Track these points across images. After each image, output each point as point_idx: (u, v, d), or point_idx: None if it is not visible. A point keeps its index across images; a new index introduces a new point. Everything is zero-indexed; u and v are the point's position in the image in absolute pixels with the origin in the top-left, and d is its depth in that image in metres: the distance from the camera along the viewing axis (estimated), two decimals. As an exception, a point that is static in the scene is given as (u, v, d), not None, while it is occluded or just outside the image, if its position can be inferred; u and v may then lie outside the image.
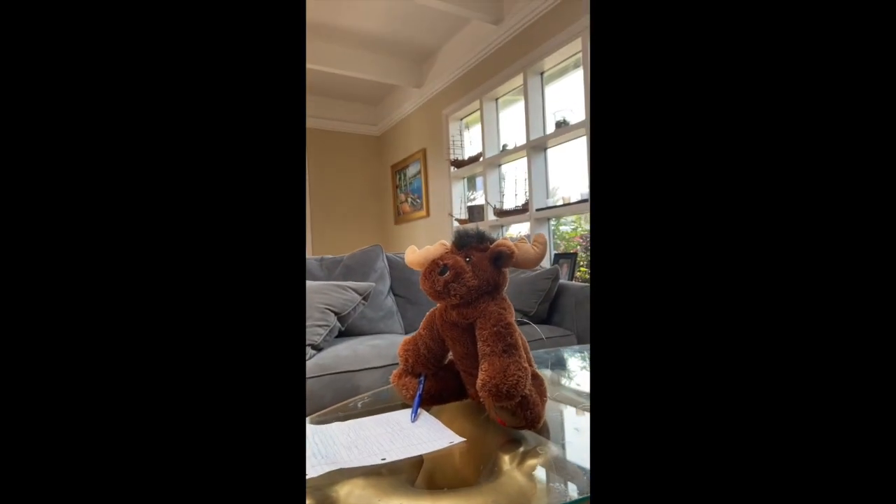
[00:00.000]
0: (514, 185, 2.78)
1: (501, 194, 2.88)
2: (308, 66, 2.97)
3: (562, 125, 2.32)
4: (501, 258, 0.61)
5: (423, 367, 0.68)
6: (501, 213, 2.75)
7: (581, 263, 2.40)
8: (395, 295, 1.79)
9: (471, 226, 0.67)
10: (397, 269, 1.83)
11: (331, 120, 4.10)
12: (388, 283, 1.77)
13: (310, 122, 4.02)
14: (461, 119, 3.27)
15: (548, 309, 1.67)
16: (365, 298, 1.46)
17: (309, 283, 1.44)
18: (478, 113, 3.00)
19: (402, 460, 0.50)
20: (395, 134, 4.06)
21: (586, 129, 2.14)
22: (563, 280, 1.83)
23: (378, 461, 0.49)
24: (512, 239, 0.65)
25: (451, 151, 3.20)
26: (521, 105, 2.65)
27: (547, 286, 1.62)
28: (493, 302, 0.61)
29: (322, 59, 3.05)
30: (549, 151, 2.56)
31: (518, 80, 2.64)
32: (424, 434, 0.56)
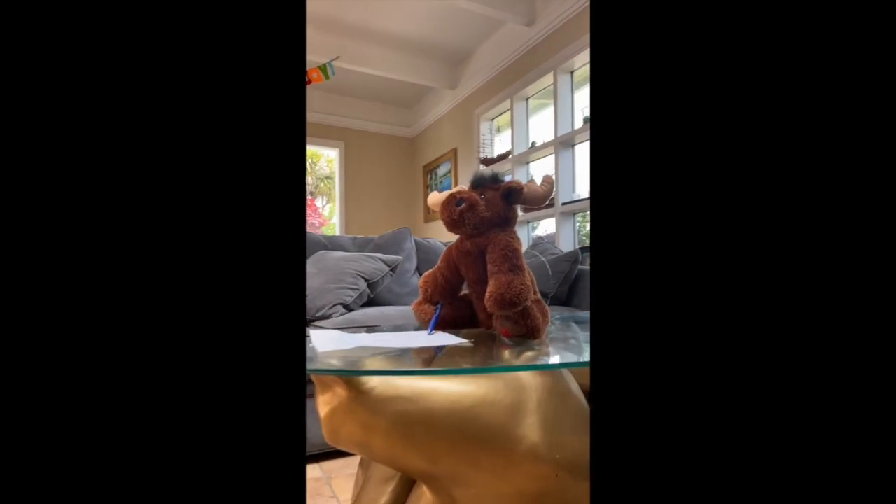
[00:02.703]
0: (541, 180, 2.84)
1: (529, 191, 2.95)
2: (346, 66, 3.15)
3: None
4: (512, 194, 0.69)
5: (440, 297, 0.76)
6: (528, 208, 2.81)
7: (605, 258, 2.42)
8: (420, 275, 1.89)
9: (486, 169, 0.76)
10: (424, 252, 1.93)
11: (367, 121, 4.29)
12: (414, 262, 1.87)
13: (346, 123, 4.22)
14: (492, 119, 3.37)
15: (567, 291, 1.71)
16: (393, 269, 1.56)
17: (342, 254, 1.56)
18: (508, 113, 3.09)
19: (420, 349, 0.58)
20: (427, 135, 4.20)
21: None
22: (584, 267, 1.88)
23: (399, 347, 0.58)
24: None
25: (482, 150, 3.29)
26: (549, 109, 2.73)
27: (567, 268, 1.68)
28: (503, 233, 0.69)
29: (360, 61, 3.23)
30: (577, 148, 2.61)
31: (548, 80, 2.71)
32: (439, 339, 0.64)
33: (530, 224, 2.98)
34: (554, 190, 2.60)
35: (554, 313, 1.22)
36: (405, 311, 1.37)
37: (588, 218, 2.65)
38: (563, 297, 1.71)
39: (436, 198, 0.74)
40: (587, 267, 1.89)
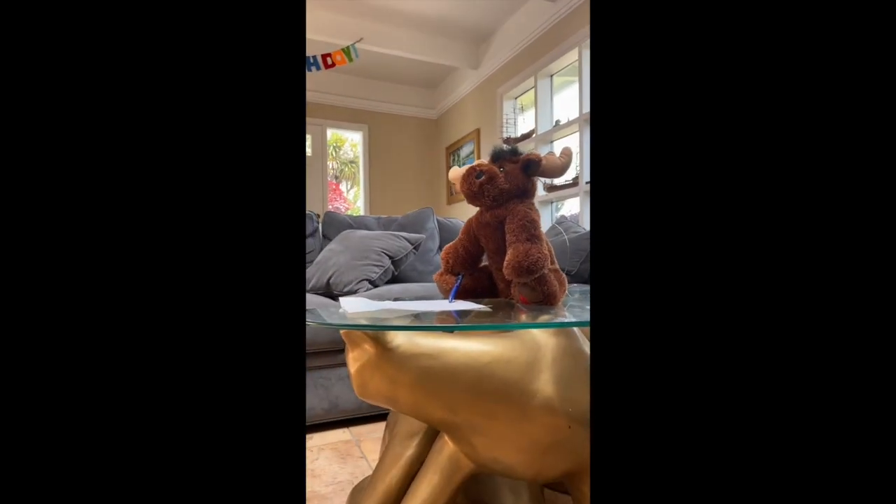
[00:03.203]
0: (565, 160, 2.81)
1: (552, 170, 2.92)
2: (369, 48, 3.16)
3: (615, 97, 2.32)
4: (531, 166, 0.71)
5: (461, 268, 0.80)
6: (552, 188, 2.79)
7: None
8: (444, 253, 1.93)
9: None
10: (446, 231, 1.96)
11: (390, 104, 4.31)
12: (437, 241, 1.91)
13: (369, 106, 4.25)
14: (515, 98, 3.33)
15: (589, 269, 1.72)
16: (416, 248, 1.60)
17: (367, 232, 1.61)
18: (532, 92, 3.05)
19: (441, 312, 0.62)
20: (451, 116, 4.19)
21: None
22: (607, 245, 1.87)
23: (422, 310, 0.62)
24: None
25: (505, 130, 3.27)
26: (574, 86, 2.68)
27: (588, 246, 1.68)
28: (521, 204, 0.71)
29: (383, 42, 3.23)
30: (602, 125, 2.56)
31: (573, 56, 2.66)
32: (459, 306, 0.68)
33: (554, 204, 2.96)
34: (577, 165, 2.58)
35: (574, 288, 1.24)
36: (429, 286, 1.42)
37: (613, 197, 2.61)
38: (586, 275, 1.71)
39: (456, 172, 0.77)
40: (610, 245, 1.88)
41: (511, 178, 0.71)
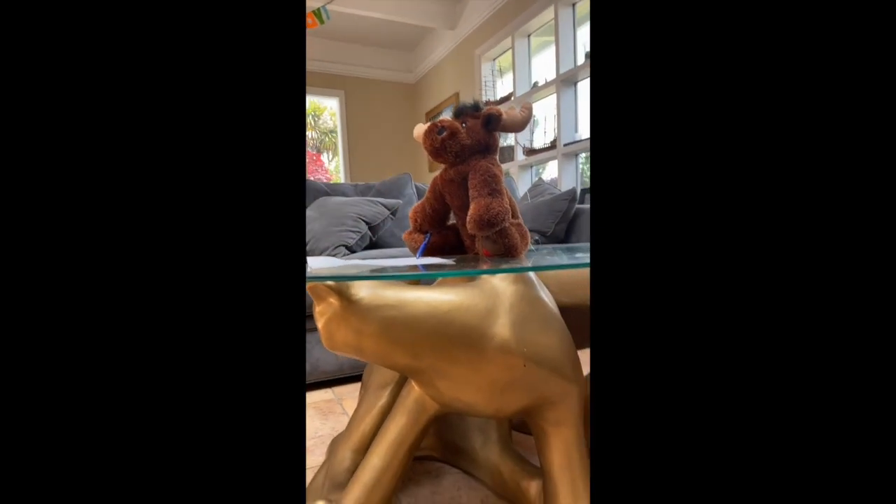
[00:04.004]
0: (543, 122, 2.80)
1: (531, 133, 2.91)
2: (341, 9, 3.04)
3: (592, 56, 2.30)
4: (492, 121, 0.71)
5: (429, 226, 0.81)
6: (531, 151, 2.79)
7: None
8: (422, 219, 1.94)
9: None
10: (425, 196, 1.97)
11: (367, 67, 4.18)
12: (416, 207, 1.92)
13: (345, 70, 4.12)
14: (493, 59, 3.27)
15: (565, 230, 1.75)
16: (393, 213, 1.61)
17: (343, 199, 1.60)
18: (509, 53, 2.99)
19: (406, 265, 0.64)
20: (429, 80, 4.09)
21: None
22: (582, 206, 1.90)
23: (386, 264, 0.63)
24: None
25: (483, 93, 3.22)
26: (552, 48, 2.63)
27: (564, 207, 1.70)
28: (484, 160, 0.72)
29: (355, 3, 3.10)
30: (580, 85, 2.55)
31: (549, 14, 2.60)
32: (425, 261, 0.70)
33: (534, 168, 2.96)
34: (555, 128, 2.57)
35: (546, 248, 1.27)
36: (406, 251, 1.43)
37: (590, 159, 2.63)
38: (562, 235, 1.75)
39: (420, 128, 0.77)
40: (586, 206, 1.91)
41: (473, 133, 0.71)
